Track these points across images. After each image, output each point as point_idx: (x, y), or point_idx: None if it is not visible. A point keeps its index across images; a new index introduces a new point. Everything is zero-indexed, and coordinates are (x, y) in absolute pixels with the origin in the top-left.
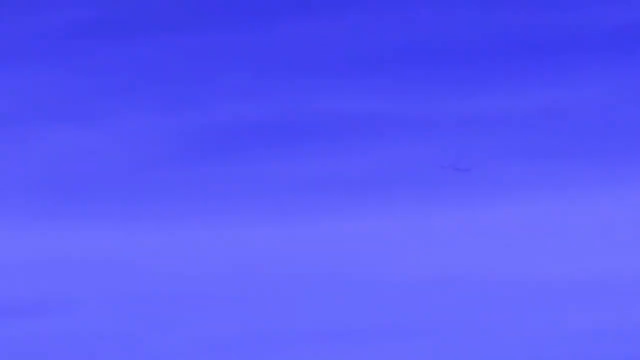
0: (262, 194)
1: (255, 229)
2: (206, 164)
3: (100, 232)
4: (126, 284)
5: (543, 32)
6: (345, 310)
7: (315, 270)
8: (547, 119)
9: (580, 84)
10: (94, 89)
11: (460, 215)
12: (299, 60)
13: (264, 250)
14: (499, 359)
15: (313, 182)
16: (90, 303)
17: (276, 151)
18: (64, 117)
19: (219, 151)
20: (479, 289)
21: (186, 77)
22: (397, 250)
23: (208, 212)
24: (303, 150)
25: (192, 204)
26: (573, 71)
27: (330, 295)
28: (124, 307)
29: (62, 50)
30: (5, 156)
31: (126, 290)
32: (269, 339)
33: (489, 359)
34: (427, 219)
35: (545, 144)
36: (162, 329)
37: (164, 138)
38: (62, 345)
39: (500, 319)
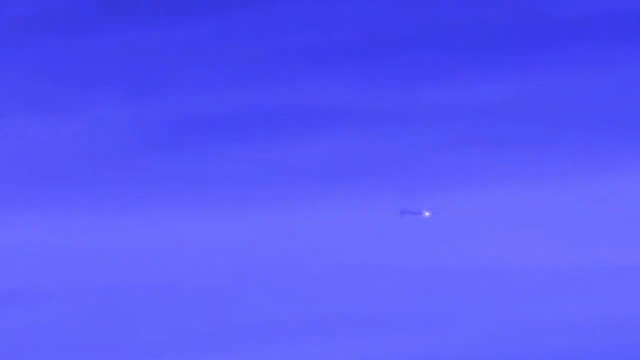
0: (235, 183)
1: (230, 217)
2: (173, 155)
3: (72, 222)
4: (101, 274)
5: (511, 23)
6: (328, 299)
7: (293, 259)
8: (518, 108)
9: (552, 72)
10: (66, 79)
11: (436, 205)
12: (269, 50)
13: (240, 238)
14: (488, 348)
15: (285, 171)
16: (63, 294)
17: (249, 140)
18: (31, 109)
19: (187, 141)
20: (463, 278)
21: (154, 68)
22: (374, 240)
23: (181, 201)
24: (274, 140)
25: (165, 193)
26: (545, 60)
27: (313, 285)
28: (101, 298)
29: (26, 43)
30: None
31: (102, 281)
32: (252, 329)
33: (478, 348)
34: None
35: (517, 133)
36: (141, 321)
37: (134, 128)
38: (34, 337)
39: (491, 308)
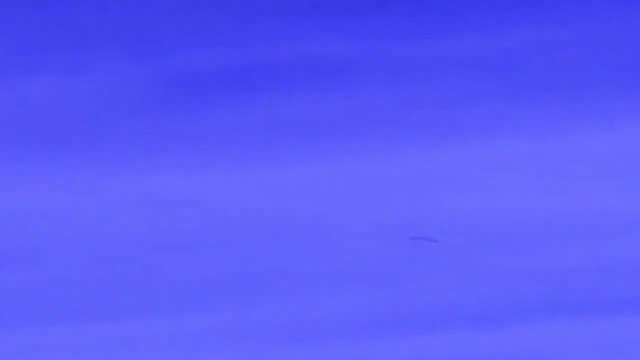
0: (239, 139)
1: (233, 174)
2: (180, 111)
3: (77, 182)
4: (106, 235)
5: None
6: (328, 255)
7: (292, 214)
8: (519, 61)
9: (549, 24)
10: (73, 36)
11: (437, 157)
12: (273, 2)
13: (242, 195)
14: (478, 299)
15: (291, 125)
16: (62, 254)
17: (252, 96)
18: (39, 67)
19: (195, 98)
20: (464, 230)
21: (158, 24)
22: (372, 194)
23: (184, 159)
24: (280, 94)
25: (168, 151)
26: (538, 12)
27: (313, 240)
28: (102, 257)
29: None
30: None
31: (105, 242)
32: (243, 285)
33: (466, 301)
34: (402, 161)
35: (520, 86)
36: (139, 276)
37: (137, 86)
38: (29, 296)
39: (483, 259)
